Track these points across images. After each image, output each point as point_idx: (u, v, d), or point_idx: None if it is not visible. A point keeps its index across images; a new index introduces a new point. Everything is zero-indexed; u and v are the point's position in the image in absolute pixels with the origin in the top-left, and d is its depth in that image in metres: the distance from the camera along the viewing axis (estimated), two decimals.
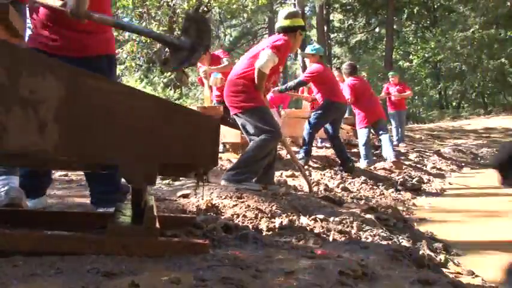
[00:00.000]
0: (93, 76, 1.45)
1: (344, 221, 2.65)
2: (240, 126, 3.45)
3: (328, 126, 5.55)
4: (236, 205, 2.61)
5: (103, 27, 2.19)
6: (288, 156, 5.88)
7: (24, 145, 1.35)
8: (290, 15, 3.53)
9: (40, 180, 2.35)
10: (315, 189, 3.95)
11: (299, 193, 3.59)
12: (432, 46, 18.17)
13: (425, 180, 5.98)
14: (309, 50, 5.54)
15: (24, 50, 1.53)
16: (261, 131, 3.27)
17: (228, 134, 4.99)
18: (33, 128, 1.35)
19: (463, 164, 7.98)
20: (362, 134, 6.12)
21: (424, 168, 7.06)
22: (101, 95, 1.43)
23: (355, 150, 6.69)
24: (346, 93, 6.19)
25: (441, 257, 2.44)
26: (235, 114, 3.41)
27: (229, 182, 3.20)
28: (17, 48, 1.41)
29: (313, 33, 24.00)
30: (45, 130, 1.36)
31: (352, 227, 2.57)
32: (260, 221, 2.40)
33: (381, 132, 6.22)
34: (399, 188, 5.03)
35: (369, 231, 2.53)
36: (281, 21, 3.55)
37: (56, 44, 2.14)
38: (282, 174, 4.67)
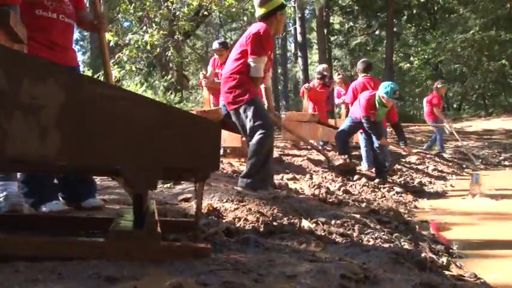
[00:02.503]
0: (94, 81, 1.46)
1: (346, 224, 2.64)
2: (238, 123, 3.48)
3: (345, 129, 5.61)
4: (237, 208, 2.60)
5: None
6: (288, 160, 5.91)
7: (25, 151, 1.35)
8: (263, 1, 3.46)
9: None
10: (316, 192, 3.95)
11: (300, 196, 3.59)
12: (432, 48, 18.17)
13: (427, 183, 5.97)
14: (385, 94, 5.27)
15: (25, 55, 1.53)
16: (256, 125, 3.33)
17: (228, 139, 5.00)
18: (35, 134, 1.35)
19: (464, 166, 7.97)
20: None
21: (426, 170, 7.06)
22: (102, 101, 1.43)
23: (355, 153, 6.69)
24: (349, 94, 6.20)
25: (443, 260, 2.42)
26: (233, 110, 3.45)
27: (245, 188, 3.25)
28: (18, 54, 1.41)
29: (313, 36, 24.05)
30: (46, 136, 1.36)
31: (353, 229, 2.56)
32: (261, 224, 2.39)
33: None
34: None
35: (371, 234, 2.52)
36: (257, 10, 3.52)
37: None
38: (283, 177, 4.67)
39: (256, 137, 3.32)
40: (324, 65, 9.36)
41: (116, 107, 1.44)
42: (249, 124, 3.36)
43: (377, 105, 5.34)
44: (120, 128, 1.45)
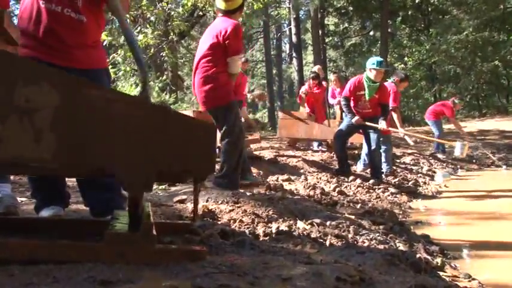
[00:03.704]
0: (89, 84, 1.45)
1: (341, 225, 2.65)
2: (216, 121, 3.55)
3: (343, 130, 5.66)
4: (233, 210, 2.61)
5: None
6: (283, 160, 5.91)
7: (20, 154, 1.34)
8: None
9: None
10: (311, 193, 3.95)
11: (295, 197, 3.60)
12: (427, 49, 18.27)
13: (421, 183, 6.00)
14: (372, 65, 5.34)
15: (19, 58, 1.52)
16: (231, 129, 3.47)
17: None
18: (30, 137, 1.35)
19: (458, 167, 8.01)
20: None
21: (420, 171, 7.09)
22: (97, 103, 1.43)
23: (349, 152, 6.70)
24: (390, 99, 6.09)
25: (438, 260, 2.44)
26: (212, 109, 3.55)
27: (219, 186, 3.35)
28: (12, 57, 1.40)
29: (308, 37, 24.09)
30: (41, 139, 1.36)
31: (349, 231, 2.57)
32: (257, 226, 2.40)
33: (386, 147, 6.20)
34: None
35: (366, 235, 2.53)
36: (224, 4, 3.52)
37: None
38: (278, 178, 4.67)
39: (230, 140, 3.47)
40: (318, 66, 9.41)
41: (111, 109, 1.44)
42: (225, 126, 3.48)
43: (365, 84, 5.40)
44: (115, 131, 1.45)
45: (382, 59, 5.56)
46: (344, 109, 5.62)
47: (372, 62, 5.40)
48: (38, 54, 1.98)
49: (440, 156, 8.54)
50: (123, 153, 1.46)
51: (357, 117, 5.42)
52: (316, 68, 8.49)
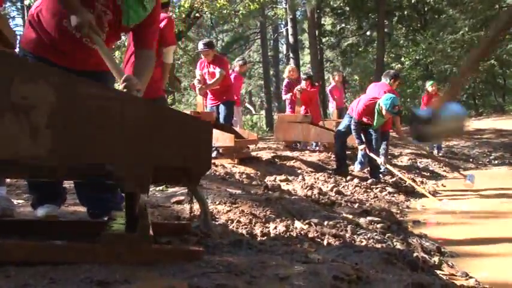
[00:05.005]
0: (85, 82, 1.44)
1: (338, 225, 2.66)
2: None
3: (344, 129, 5.67)
4: (230, 210, 2.61)
5: None
6: (280, 161, 5.91)
7: (16, 152, 1.34)
8: None
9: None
10: (308, 193, 3.95)
11: (293, 197, 3.60)
12: (423, 48, 18.31)
13: (419, 183, 6.01)
14: (384, 105, 5.21)
15: (15, 56, 1.52)
16: None
17: (221, 138, 4.99)
18: (26, 135, 1.34)
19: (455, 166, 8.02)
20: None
21: (417, 170, 7.10)
22: (94, 101, 1.42)
23: (348, 152, 6.70)
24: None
25: (435, 259, 2.45)
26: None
27: None
28: (7, 54, 1.40)
29: (305, 37, 24.12)
30: (37, 136, 1.35)
31: (346, 230, 2.57)
32: (254, 226, 2.40)
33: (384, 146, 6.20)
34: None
35: (363, 234, 2.54)
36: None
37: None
38: (275, 178, 4.68)
39: None
40: (291, 66, 9.40)
41: (107, 107, 1.44)
42: None
43: (375, 114, 5.34)
44: (111, 128, 1.44)
45: (397, 103, 5.30)
46: (353, 133, 5.51)
47: (385, 102, 5.21)
48: (49, 55, 1.96)
49: (435, 152, 8.56)
50: (119, 150, 1.45)
51: (363, 146, 5.44)
52: (290, 67, 8.49)
